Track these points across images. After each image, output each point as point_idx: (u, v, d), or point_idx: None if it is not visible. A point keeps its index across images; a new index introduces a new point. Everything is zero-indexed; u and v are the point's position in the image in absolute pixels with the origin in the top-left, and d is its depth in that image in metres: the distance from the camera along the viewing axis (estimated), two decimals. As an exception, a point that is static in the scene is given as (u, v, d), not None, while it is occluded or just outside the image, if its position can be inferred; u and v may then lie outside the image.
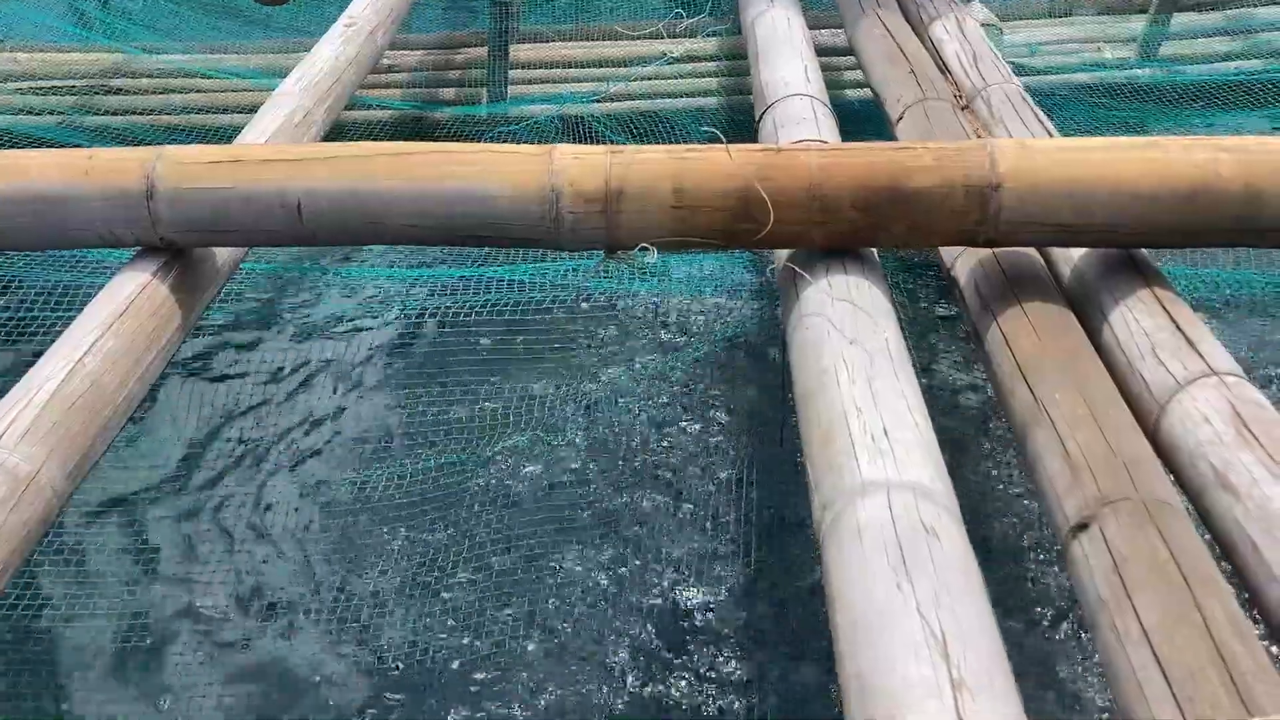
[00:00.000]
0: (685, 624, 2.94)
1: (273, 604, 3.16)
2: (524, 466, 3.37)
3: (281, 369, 3.99)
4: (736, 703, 2.77)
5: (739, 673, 2.92)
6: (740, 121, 4.28)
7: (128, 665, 3.00)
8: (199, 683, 2.91)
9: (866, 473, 1.95)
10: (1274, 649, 1.72)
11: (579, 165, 2.54)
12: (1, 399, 2.28)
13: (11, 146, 4.13)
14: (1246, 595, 1.87)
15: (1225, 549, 1.95)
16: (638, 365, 3.77)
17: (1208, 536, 1.99)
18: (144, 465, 3.52)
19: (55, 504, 2.20)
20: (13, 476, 2.11)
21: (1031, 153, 2.48)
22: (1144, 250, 2.62)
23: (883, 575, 1.74)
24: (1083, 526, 1.93)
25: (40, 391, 2.28)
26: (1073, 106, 5.38)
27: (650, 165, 2.53)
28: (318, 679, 2.90)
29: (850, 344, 2.30)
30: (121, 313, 2.52)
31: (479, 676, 2.87)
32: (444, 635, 2.92)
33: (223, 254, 2.98)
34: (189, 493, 3.51)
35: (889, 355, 2.27)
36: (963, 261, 2.76)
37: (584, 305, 3.70)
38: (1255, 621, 1.74)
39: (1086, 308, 2.54)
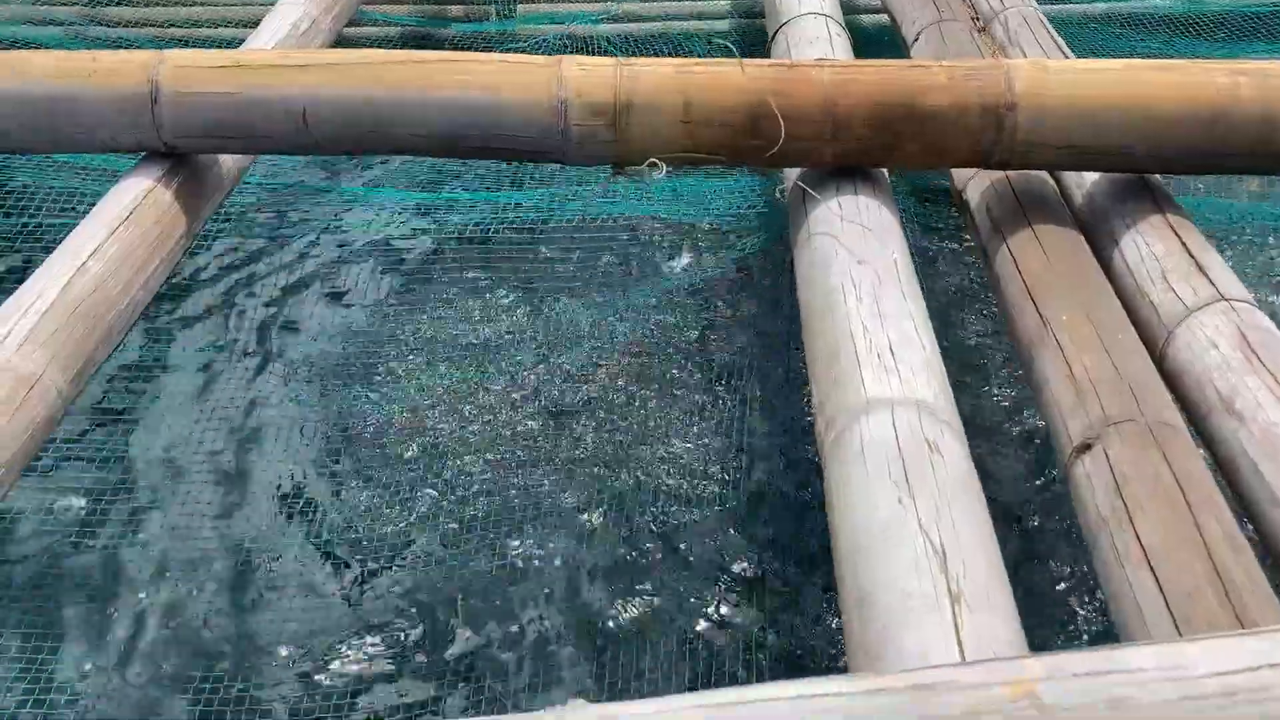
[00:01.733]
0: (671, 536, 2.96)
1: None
2: (522, 388, 3.36)
3: (276, 283, 3.97)
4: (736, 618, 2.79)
5: (738, 589, 2.94)
6: (752, 43, 4.21)
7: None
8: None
9: (871, 390, 1.94)
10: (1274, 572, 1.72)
11: (587, 77, 2.51)
12: (5, 302, 2.27)
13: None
14: (1247, 520, 1.88)
15: (1228, 473, 1.95)
16: (640, 288, 3.75)
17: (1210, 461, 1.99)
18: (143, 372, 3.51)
19: (59, 406, 2.20)
20: (15, 377, 2.11)
21: (1048, 74, 2.44)
22: (1158, 176, 2.59)
23: (885, 492, 1.74)
24: (1086, 447, 1.93)
25: (43, 296, 2.27)
26: (1091, 37, 5.29)
27: (659, 78, 2.49)
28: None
29: (859, 263, 2.28)
30: (125, 218, 2.50)
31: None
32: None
33: (227, 162, 2.95)
34: (188, 404, 3.51)
35: (896, 275, 2.25)
36: (974, 184, 2.73)
37: (587, 227, 3.67)
38: (1252, 542, 1.75)
39: (1097, 232, 2.52)
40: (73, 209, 3.60)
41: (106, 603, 2.92)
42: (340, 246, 3.98)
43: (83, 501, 3.17)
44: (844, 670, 1.50)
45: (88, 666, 2.76)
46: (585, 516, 3.02)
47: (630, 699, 1.17)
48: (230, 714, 2.60)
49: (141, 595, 2.93)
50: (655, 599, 2.84)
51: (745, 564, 2.95)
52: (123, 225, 2.48)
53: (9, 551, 3.05)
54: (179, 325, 3.76)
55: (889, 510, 1.71)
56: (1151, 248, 2.35)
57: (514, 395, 3.27)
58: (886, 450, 1.81)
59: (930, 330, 2.14)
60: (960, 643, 1.47)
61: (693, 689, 1.72)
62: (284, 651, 2.76)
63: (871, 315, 2.11)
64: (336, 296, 3.84)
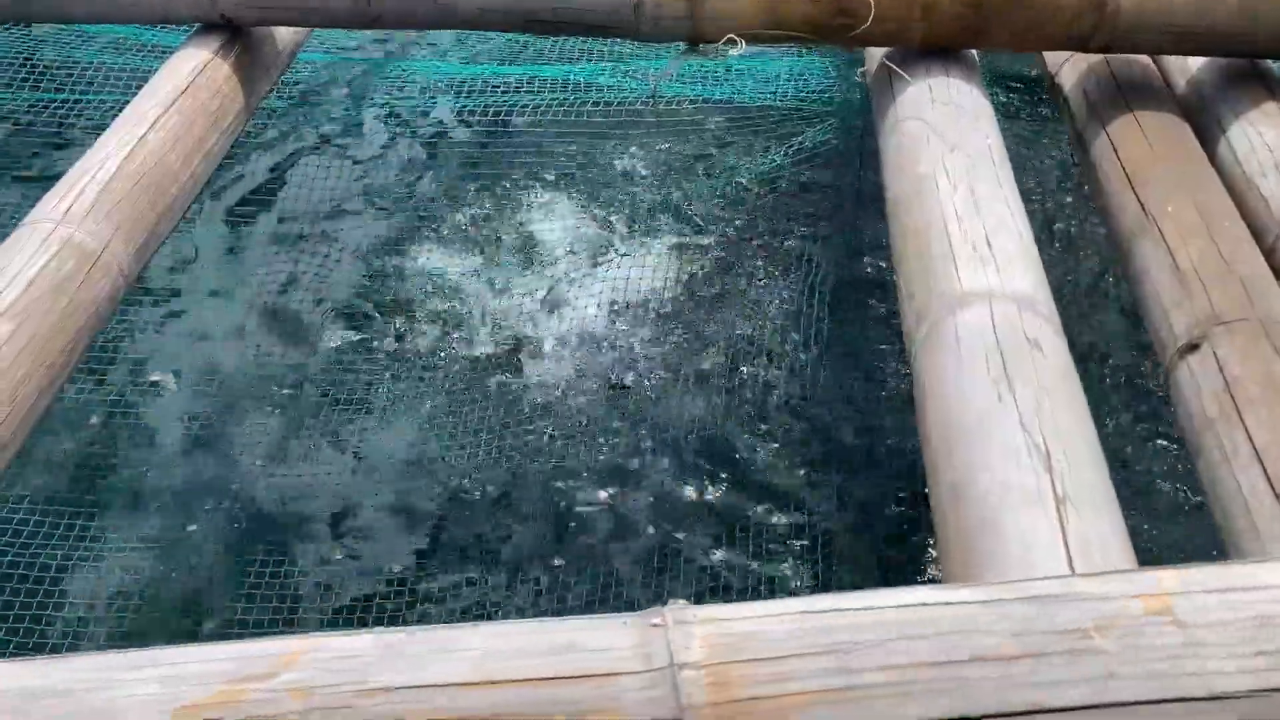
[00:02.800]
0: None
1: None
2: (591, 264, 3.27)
3: (333, 156, 3.88)
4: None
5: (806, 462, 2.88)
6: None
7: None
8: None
9: (967, 282, 1.85)
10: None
11: (665, -54, 2.37)
12: (66, 174, 2.21)
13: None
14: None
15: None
16: (710, 173, 3.63)
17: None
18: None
19: (122, 283, 2.16)
20: (80, 253, 2.06)
21: (1156, -52, 2.28)
22: (1268, 61, 2.43)
23: (982, 384, 1.66)
24: (1192, 347, 1.83)
25: (103, 168, 2.21)
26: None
27: (742, -52, 2.35)
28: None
29: (951, 149, 2.16)
30: (183, 89, 2.42)
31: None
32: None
33: (283, 36, 2.85)
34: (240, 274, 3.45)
35: (991, 160, 2.14)
36: (1070, 67, 2.58)
37: (654, 108, 3.53)
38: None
39: (1202, 120, 2.37)
40: (123, 88, 3.53)
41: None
42: (398, 122, 3.88)
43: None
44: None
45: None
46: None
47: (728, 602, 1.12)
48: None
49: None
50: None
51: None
52: (181, 96, 2.41)
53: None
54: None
55: (986, 404, 1.63)
56: (1264, 136, 2.21)
57: (579, 282, 3.19)
58: (984, 343, 1.72)
59: (1026, 219, 2.03)
60: (1067, 545, 1.40)
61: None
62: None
63: (965, 203, 2.01)
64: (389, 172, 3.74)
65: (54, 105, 3.71)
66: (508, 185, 3.57)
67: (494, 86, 3.52)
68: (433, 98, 3.72)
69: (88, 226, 2.08)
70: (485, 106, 3.51)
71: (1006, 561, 1.42)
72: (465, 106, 3.61)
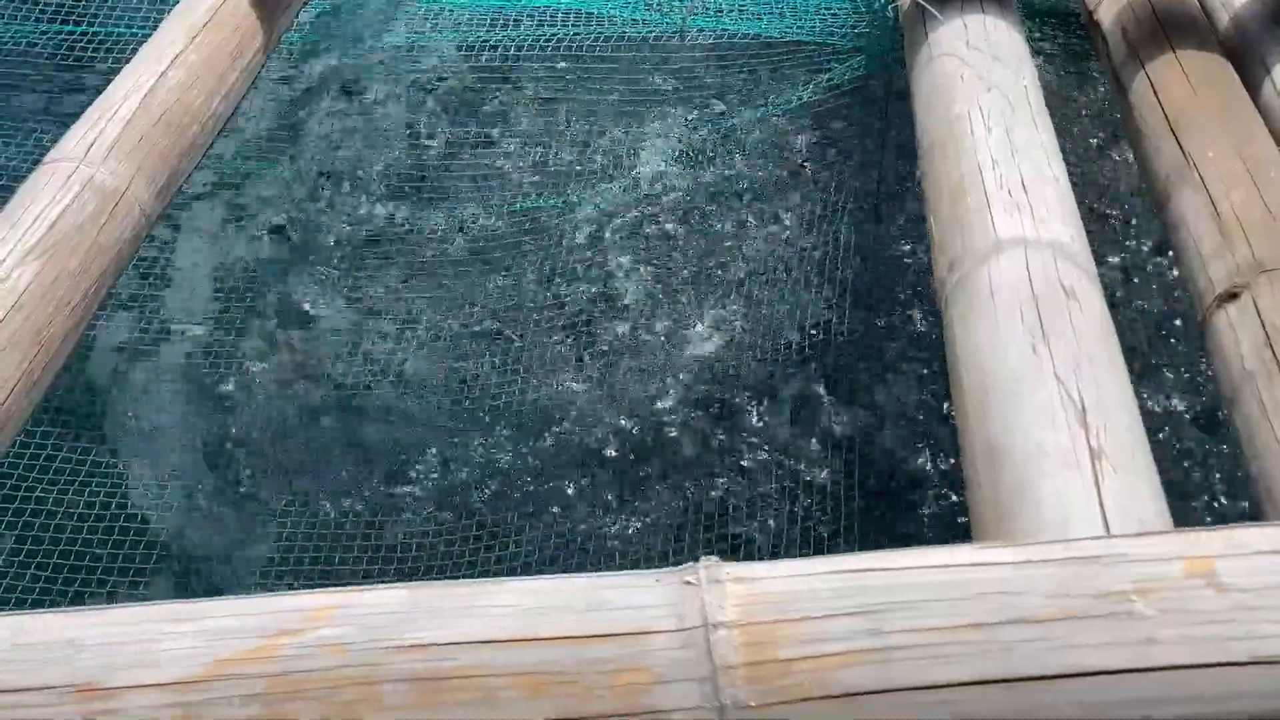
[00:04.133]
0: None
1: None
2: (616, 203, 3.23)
3: (347, 93, 3.82)
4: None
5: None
6: None
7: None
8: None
9: (1002, 229, 1.81)
10: None
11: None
12: (86, 111, 2.18)
13: None
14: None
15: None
16: (726, 112, 3.56)
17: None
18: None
19: (144, 224, 2.14)
20: (101, 192, 2.03)
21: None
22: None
23: (1017, 338, 1.63)
24: (1231, 296, 1.79)
25: (124, 106, 2.17)
26: None
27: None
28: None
29: (987, 89, 2.11)
30: (204, 24, 2.37)
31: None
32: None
33: (303, -32, 2.80)
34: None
35: (1028, 102, 2.09)
36: (1109, 2, 2.51)
37: (669, 43, 3.46)
38: None
39: (1247, 60, 2.30)
40: (140, 22, 3.47)
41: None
42: (422, 56, 3.81)
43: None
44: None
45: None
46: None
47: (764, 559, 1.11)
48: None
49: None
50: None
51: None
52: (201, 32, 2.36)
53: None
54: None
55: (1021, 358, 1.60)
56: (1310, 79, 2.15)
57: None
58: (1018, 294, 1.69)
59: (1063, 164, 1.98)
60: (1103, 505, 1.38)
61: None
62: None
63: (1001, 147, 1.96)
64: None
65: (72, 39, 3.67)
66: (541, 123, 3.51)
67: (518, 20, 3.46)
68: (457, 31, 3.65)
69: (109, 166, 2.05)
70: (507, 42, 3.45)
71: (1040, 521, 1.41)
72: (488, 41, 3.55)
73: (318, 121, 3.72)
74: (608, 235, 3.22)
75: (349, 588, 1.09)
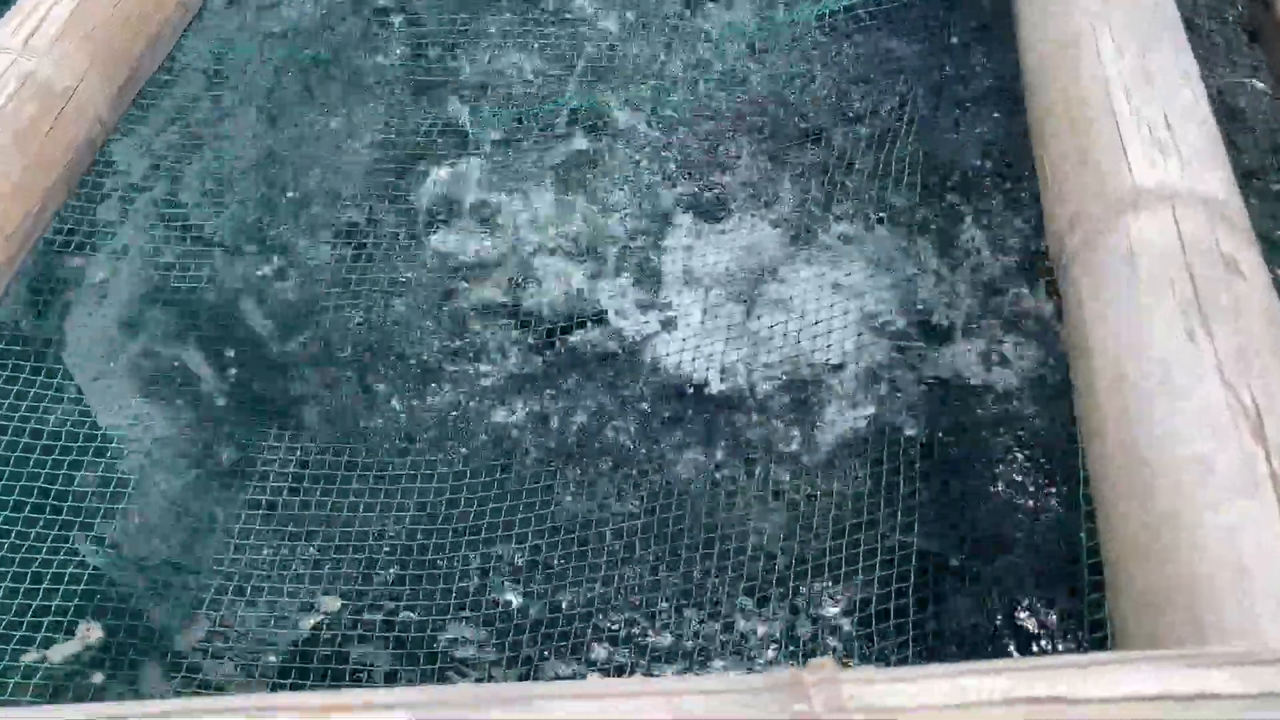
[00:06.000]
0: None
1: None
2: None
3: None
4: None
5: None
6: None
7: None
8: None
9: (1142, 177, 1.47)
10: None
11: None
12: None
13: None
14: None
15: None
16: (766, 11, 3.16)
17: None
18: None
19: (100, 131, 1.80)
20: (47, 91, 1.69)
21: None
22: None
23: (1168, 321, 1.31)
24: None
25: (78, -16, 1.82)
26: None
27: None
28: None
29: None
30: (174, -110, 2.00)
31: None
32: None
33: None
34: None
35: (1163, 18, 1.73)
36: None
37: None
38: None
39: None
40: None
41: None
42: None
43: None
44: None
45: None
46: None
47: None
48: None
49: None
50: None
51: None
52: (172, -101, 1.99)
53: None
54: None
55: (1173, 346, 1.29)
56: None
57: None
58: (1168, 263, 1.37)
59: (1207, 99, 1.64)
60: (1296, 550, 1.08)
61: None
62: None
63: (1135, 73, 1.61)
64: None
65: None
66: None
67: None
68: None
69: (54, 58, 1.71)
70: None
71: (1204, 561, 1.11)
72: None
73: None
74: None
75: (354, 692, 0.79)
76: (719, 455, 2.02)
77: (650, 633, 1.74)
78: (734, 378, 2.14)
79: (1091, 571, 1.37)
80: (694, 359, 2.17)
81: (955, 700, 0.75)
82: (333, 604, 1.75)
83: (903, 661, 1.16)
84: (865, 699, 0.76)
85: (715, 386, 2.12)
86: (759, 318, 2.22)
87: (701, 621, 1.70)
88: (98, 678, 1.70)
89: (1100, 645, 1.32)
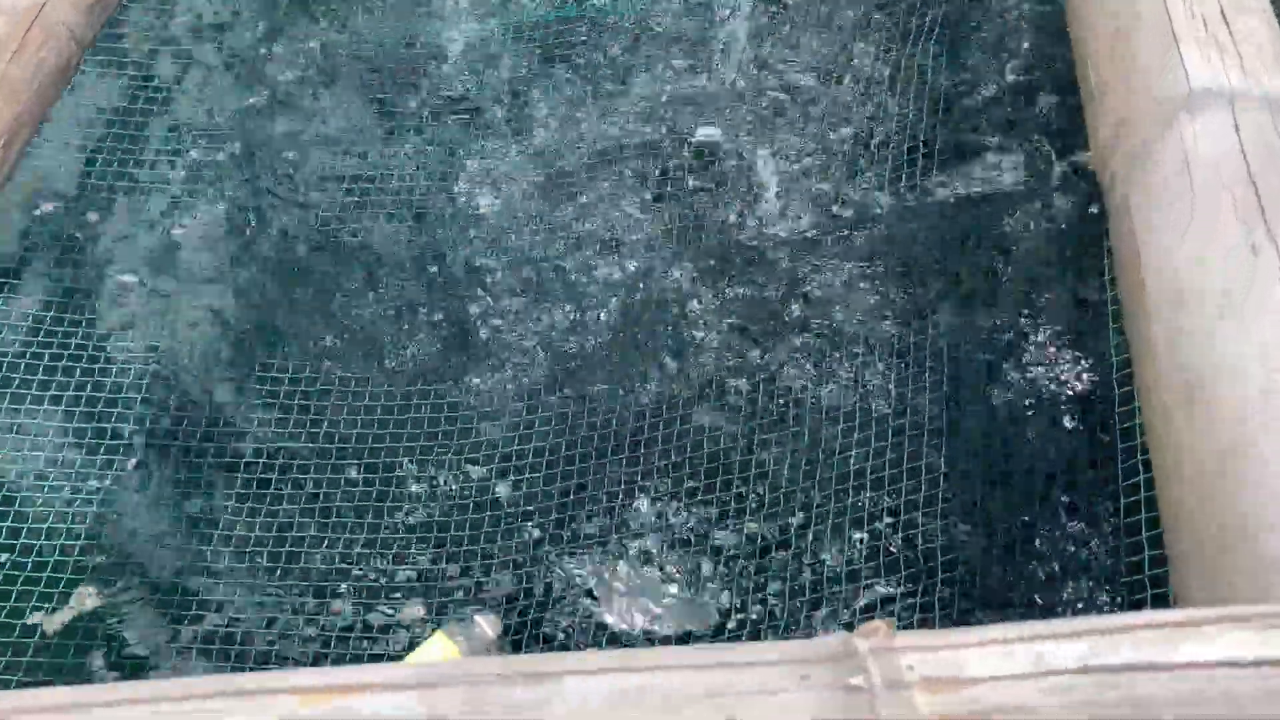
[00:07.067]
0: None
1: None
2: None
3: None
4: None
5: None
6: None
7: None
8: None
9: (1197, 78, 1.36)
10: None
11: None
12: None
13: None
14: None
15: None
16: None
17: None
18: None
19: (75, 50, 1.69)
20: (10, 12, 1.58)
21: None
22: None
23: (1228, 236, 1.21)
24: None
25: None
26: None
27: None
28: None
29: (1155, -118, 1.62)
30: None
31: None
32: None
33: None
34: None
35: (1215, -99, 1.60)
36: None
37: None
38: None
39: None
40: None
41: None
42: None
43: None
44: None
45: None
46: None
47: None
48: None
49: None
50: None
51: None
52: None
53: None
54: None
55: (1235, 264, 1.19)
56: None
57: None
58: (1228, 168, 1.26)
59: (1264, -10, 1.51)
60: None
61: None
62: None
63: (1187, -38, 1.49)
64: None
65: None
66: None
67: None
68: None
69: (18, -27, 1.59)
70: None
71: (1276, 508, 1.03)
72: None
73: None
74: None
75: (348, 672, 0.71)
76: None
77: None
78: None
79: (1147, 508, 1.29)
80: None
81: (1029, 668, 0.67)
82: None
83: (946, 618, 1.08)
84: (925, 668, 0.68)
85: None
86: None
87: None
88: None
89: (1158, 592, 1.24)
